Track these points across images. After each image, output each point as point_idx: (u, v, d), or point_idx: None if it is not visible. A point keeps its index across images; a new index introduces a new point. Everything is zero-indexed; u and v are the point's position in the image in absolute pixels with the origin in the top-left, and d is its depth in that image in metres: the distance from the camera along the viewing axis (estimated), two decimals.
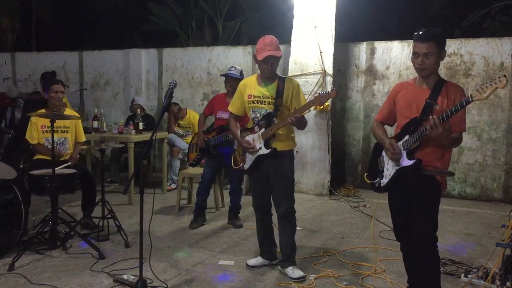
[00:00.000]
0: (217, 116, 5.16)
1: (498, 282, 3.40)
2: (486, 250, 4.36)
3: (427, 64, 2.83)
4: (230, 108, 3.96)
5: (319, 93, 3.53)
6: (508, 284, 3.25)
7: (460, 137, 2.89)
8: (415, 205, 2.93)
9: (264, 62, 3.63)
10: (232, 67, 5.13)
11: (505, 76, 2.53)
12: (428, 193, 2.90)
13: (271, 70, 3.67)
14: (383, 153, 3.09)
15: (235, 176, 5.14)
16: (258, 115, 3.74)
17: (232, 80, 4.97)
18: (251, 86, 3.79)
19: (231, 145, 4.98)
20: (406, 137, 2.91)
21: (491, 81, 2.54)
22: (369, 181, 3.20)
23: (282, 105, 3.67)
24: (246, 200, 6.10)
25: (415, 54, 2.87)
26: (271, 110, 3.67)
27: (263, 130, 3.68)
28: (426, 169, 2.87)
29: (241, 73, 5.09)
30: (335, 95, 3.53)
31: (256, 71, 7.22)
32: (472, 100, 2.59)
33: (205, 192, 5.21)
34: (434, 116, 2.70)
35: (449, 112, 2.66)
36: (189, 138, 6.85)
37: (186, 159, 6.24)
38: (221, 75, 5.39)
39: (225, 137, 4.95)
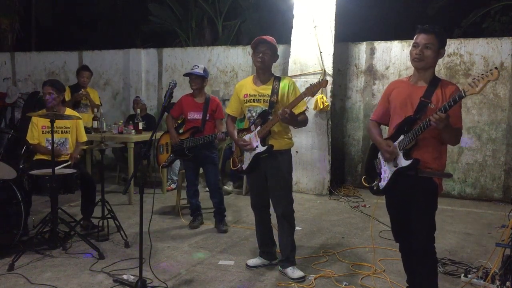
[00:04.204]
0: (189, 118, 5.08)
1: (498, 282, 3.40)
2: (486, 250, 4.36)
3: (425, 56, 2.82)
4: (228, 110, 3.97)
5: (310, 84, 3.51)
6: (508, 284, 3.25)
7: (460, 132, 2.86)
8: (412, 207, 2.91)
9: (256, 50, 3.66)
10: (195, 65, 5.05)
11: (496, 68, 2.51)
12: (425, 195, 2.88)
13: (262, 60, 3.66)
14: (379, 155, 3.07)
15: (212, 177, 5.06)
16: (254, 114, 3.74)
17: (197, 79, 4.98)
18: (247, 86, 3.81)
19: (208, 147, 4.99)
20: (401, 137, 2.89)
21: (482, 75, 2.52)
22: (367, 184, 3.18)
23: (277, 102, 3.66)
24: (246, 200, 6.11)
25: (414, 45, 2.87)
26: (266, 108, 3.68)
27: (258, 128, 3.68)
28: (423, 171, 2.85)
29: (205, 70, 5.06)
30: (325, 84, 3.53)
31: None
32: (465, 95, 2.57)
33: (195, 194, 5.21)
34: (437, 112, 2.63)
35: (447, 105, 2.62)
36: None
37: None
38: (184, 75, 5.21)
39: (201, 140, 4.90)
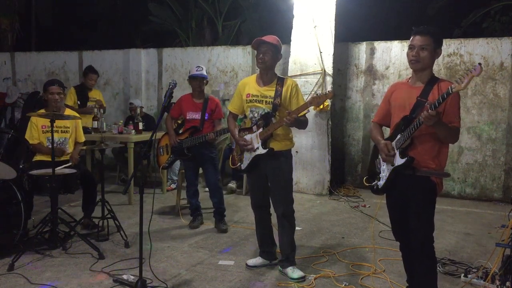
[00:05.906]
0: (188, 118, 5.09)
1: (497, 282, 3.41)
2: (486, 250, 4.36)
3: (421, 57, 2.85)
4: (230, 107, 3.97)
5: (316, 94, 3.56)
6: (508, 284, 3.26)
7: (456, 130, 2.83)
8: (410, 206, 2.93)
9: (257, 50, 3.67)
10: (199, 66, 5.07)
11: (480, 64, 2.53)
12: (423, 194, 2.90)
13: (262, 61, 3.66)
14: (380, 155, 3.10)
15: (211, 176, 5.06)
16: (256, 114, 3.74)
17: (202, 80, 5.04)
18: (250, 86, 3.80)
19: (207, 146, 4.99)
20: (398, 136, 2.92)
21: (467, 71, 2.55)
22: (368, 184, 3.20)
23: (280, 105, 3.67)
24: (246, 200, 6.12)
25: (411, 47, 2.90)
26: (269, 110, 3.68)
27: (261, 130, 3.69)
28: (420, 170, 2.86)
29: (205, 71, 5.13)
30: (331, 95, 3.58)
31: (256, 71, 7.22)
32: (452, 92, 2.60)
33: (195, 193, 5.22)
34: (427, 110, 2.65)
35: (436, 102, 2.64)
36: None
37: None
38: (191, 77, 5.04)
39: (200, 138, 4.91)
